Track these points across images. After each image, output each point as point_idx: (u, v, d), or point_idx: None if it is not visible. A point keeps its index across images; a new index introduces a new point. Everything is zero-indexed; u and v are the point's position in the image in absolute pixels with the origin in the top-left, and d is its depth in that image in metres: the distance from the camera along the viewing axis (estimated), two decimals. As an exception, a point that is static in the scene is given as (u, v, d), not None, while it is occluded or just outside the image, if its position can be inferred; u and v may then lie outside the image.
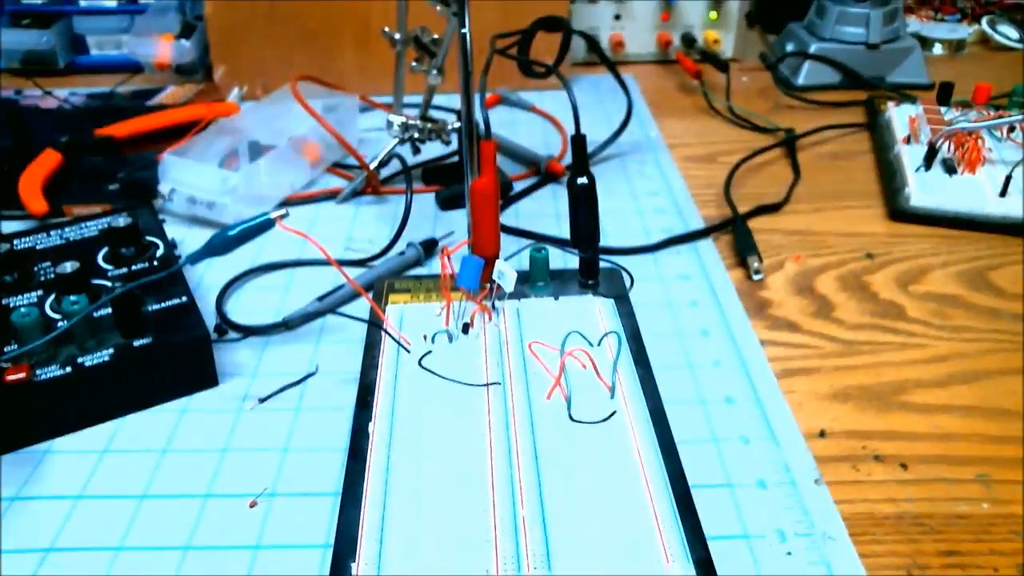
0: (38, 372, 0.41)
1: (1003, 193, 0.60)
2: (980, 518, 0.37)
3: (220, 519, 0.37)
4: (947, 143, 0.65)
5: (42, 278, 0.49)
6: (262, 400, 0.44)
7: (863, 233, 0.61)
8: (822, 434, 0.42)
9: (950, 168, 0.64)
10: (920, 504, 0.38)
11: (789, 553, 0.35)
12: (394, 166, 0.67)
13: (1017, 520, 0.37)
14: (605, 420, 0.39)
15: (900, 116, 0.74)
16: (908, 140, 0.69)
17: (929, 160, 0.65)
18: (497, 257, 0.49)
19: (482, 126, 0.50)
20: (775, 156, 0.73)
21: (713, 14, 0.95)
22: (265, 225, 0.44)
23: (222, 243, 0.45)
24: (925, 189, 0.62)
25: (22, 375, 0.41)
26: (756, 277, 0.55)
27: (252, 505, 0.38)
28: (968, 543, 0.36)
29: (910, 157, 0.66)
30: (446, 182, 0.67)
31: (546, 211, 0.64)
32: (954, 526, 0.37)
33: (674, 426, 0.41)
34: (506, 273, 0.44)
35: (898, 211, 0.62)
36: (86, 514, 0.38)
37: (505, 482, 0.36)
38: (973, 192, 0.62)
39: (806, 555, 0.35)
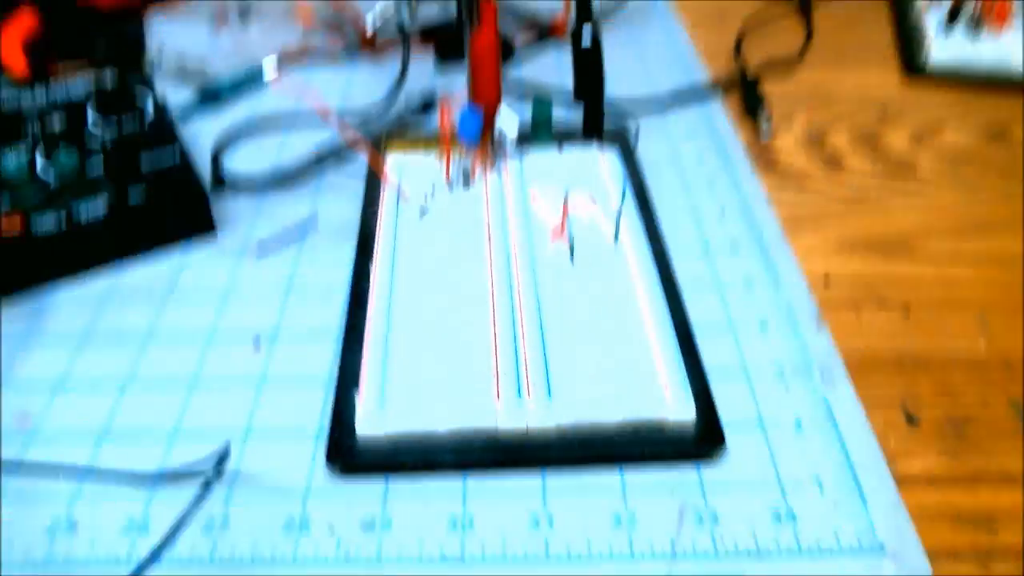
0: (33, 227, 0.41)
1: (1026, 49, 0.58)
2: (977, 357, 0.37)
3: (225, 356, 0.38)
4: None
5: (30, 135, 0.47)
6: (262, 250, 0.43)
7: (878, 92, 0.59)
8: (826, 280, 0.42)
9: (976, 24, 0.62)
10: (919, 345, 0.38)
11: (787, 389, 0.35)
12: (391, 35, 0.65)
13: (1012, 359, 0.37)
14: (607, 263, 0.39)
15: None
16: (930, -3, 0.66)
17: (953, 16, 0.62)
18: (499, 106, 0.48)
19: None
20: (788, 12, 0.70)
21: None
22: (256, 76, 0.43)
23: (214, 95, 0.44)
24: (946, 46, 0.60)
25: (17, 229, 0.40)
26: (765, 132, 0.54)
27: (255, 346, 0.38)
28: (961, 379, 0.36)
29: (933, 13, 0.63)
30: (445, 35, 0.65)
31: (548, 74, 0.62)
32: (950, 364, 0.37)
33: (678, 274, 0.41)
34: (508, 120, 0.43)
35: (916, 69, 0.60)
36: (92, 353, 0.38)
37: (506, 319, 0.36)
38: (997, 49, 0.59)
39: (803, 391, 0.35)
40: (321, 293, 0.41)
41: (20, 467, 0.32)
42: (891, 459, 0.32)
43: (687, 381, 0.33)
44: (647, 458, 0.32)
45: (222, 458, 0.30)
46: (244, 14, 0.64)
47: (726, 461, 0.32)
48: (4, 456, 0.33)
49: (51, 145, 0.45)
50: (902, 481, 0.32)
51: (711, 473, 0.32)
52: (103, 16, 0.66)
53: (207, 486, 0.30)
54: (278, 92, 0.42)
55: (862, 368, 0.37)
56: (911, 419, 0.34)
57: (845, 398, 0.35)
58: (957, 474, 0.32)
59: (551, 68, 0.63)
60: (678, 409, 0.32)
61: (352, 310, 0.38)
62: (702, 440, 0.32)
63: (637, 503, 0.31)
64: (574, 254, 0.39)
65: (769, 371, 0.36)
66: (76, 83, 0.53)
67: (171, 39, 0.59)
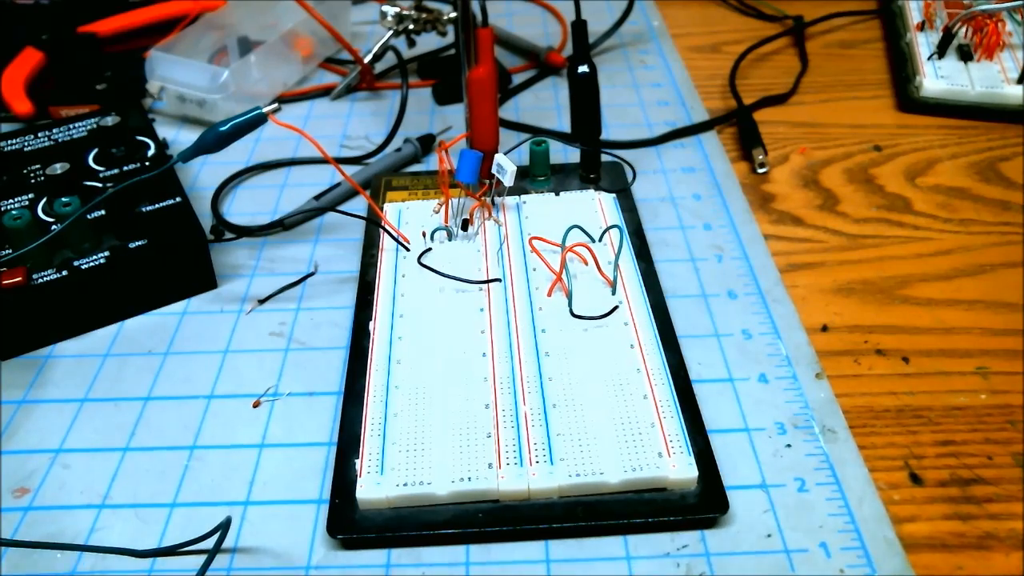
0: (34, 276, 0.41)
1: (1021, 79, 0.58)
2: (978, 409, 0.37)
3: (225, 419, 0.38)
4: (964, 28, 0.62)
5: (32, 181, 0.48)
6: (261, 302, 0.44)
7: (871, 124, 0.59)
8: (824, 328, 0.42)
9: (966, 55, 0.62)
10: (920, 397, 0.38)
11: (788, 445, 0.35)
12: (389, 60, 0.65)
13: (1013, 410, 0.37)
14: (606, 315, 0.39)
15: (915, 1, 0.71)
16: (922, 27, 0.66)
17: (943, 47, 0.62)
18: (496, 151, 0.48)
19: (479, 14, 0.48)
20: (782, 45, 0.71)
21: None
22: (257, 120, 0.43)
23: (214, 139, 0.44)
24: (937, 78, 0.60)
25: (19, 279, 0.40)
26: (761, 170, 0.54)
27: (256, 405, 0.38)
28: (964, 433, 0.36)
29: (923, 44, 0.64)
30: (443, 75, 0.65)
31: (546, 105, 0.62)
32: (951, 417, 0.37)
33: (676, 320, 0.41)
34: (505, 167, 0.43)
35: (908, 101, 0.60)
36: (92, 416, 0.38)
37: (506, 377, 0.36)
38: (989, 79, 0.59)
39: (805, 447, 0.35)
40: (321, 345, 0.41)
41: (20, 543, 0.32)
42: (896, 521, 0.32)
43: (688, 441, 0.33)
44: (650, 523, 0.32)
45: (223, 532, 0.30)
46: (243, 48, 0.64)
47: (730, 523, 0.32)
48: (4, 530, 0.33)
49: (52, 191, 0.45)
50: (910, 546, 0.32)
51: (715, 537, 0.32)
52: (104, 56, 0.66)
53: (208, 562, 0.29)
54: (277, 133, 0.42)
55: (863, 421, 0.37)
56: (916, 478, 0.34)
57: (847, 455, 0.35)
58: (967, 538, 0.32)
59: (548, 98, 0.63)
60: (680, 470, 0.32)
61: (352, 368, 0.38)
62: (705, 504, 0.32)
63: (641, 569, 0.31)
64: (573, 304, 0.39)
65: (770, 426, 0.36)
66: (77, 125, 0.53)
67: (170, 73, 0.59)
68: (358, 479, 0.32)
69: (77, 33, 0.67)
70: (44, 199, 0.45)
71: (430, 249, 0.43)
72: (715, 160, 0.54)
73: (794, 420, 0.37)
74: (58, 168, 0.46)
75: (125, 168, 0.49)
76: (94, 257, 0.42)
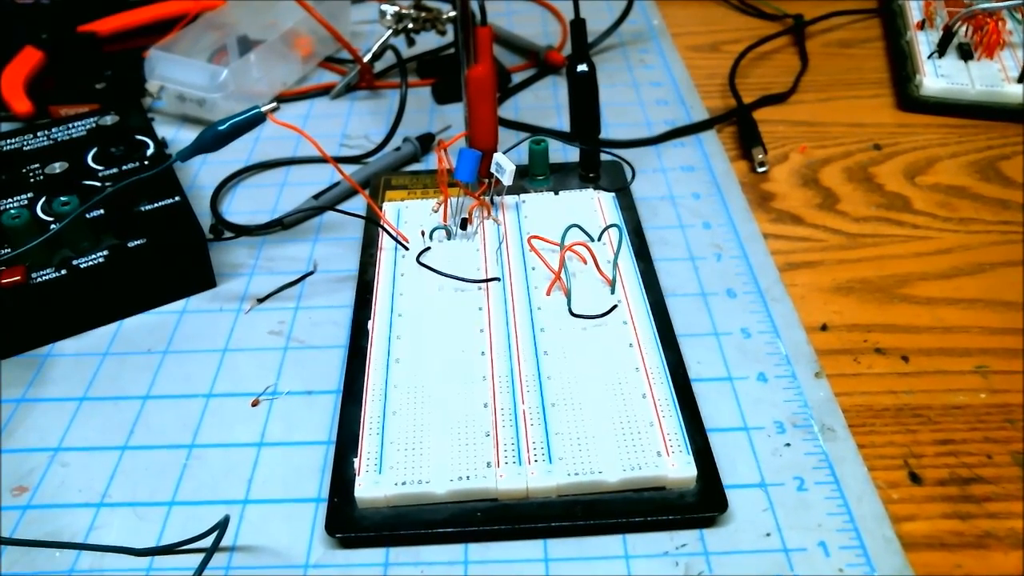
0: (33, 275, 0.41)
1: (1022, 78, 0.58)
2: (977, 408, 0.37)
3: (224, 417, 0.37)
4: (965, 26, 0.62)
5: (31, 180, 0.48)
6: (260, 301, 0.44)
7: (871, 123, 0.59)
8: (824, 327, 0.42)
9: (966, 53, 0.62)
10: (919, 396, 0.38)
11: (788, 444, 0.35)
12: (388, 59, 0.65)
13: (1013, 409, 0.37)
14: (605, 314, 0.39)
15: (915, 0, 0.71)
16: (922, 25, 0.66)
17: (943, 46, 0.62)
18: (495, 150, 0.48)
19: (478, 13, 0.48)
20: (782, 44, 0.71)
21: None
22: (256, 119, 0.43)
23: (212, 138, 0.44)
24: (938, 76, 0.60)
25: (18, 278, 0.40)
26: (760, 169, 0.54)
27: (254, 404, 0.38)
28: (963, 432, 0.36)
29: (923, 43, 0.64)
30: (442, 75, 0.65)
31: (545, 104, 0.62)
32: (951, 416, 0.37)
33: (675, 319, 0.41)
34: (504, 166, 0.43)
35: (908, 100, 0.60)
36: (91, 415, 0.38)
37: (505, 376, 0.36)
38: (989, 77, 0.59)
39: (804, 446, 0.35)
40: (320, 344, 0.41)
41: (18, 541, 0.32)
42: (895, 520, 0.32)
43: (687, 440, 0.33)
44: (649, 522, 0.32)
45: (221, 531, 0.30)
46: (243, 47, 0.64)
47: (729, 522, 0.32)
48: (3, 529, 0.33)
49: (51, 190, 0.45)
50: (909, 545, 0.31)
51: (714, 536, 0.32)
52: (104, 55, 0.66)
53: (206, 560, 0.29)
54: (277, 132, 0.42)
55: (862, 420, 0.37)
56: (915, 477, 0.34)
57: (846, 454, 0.35)
58: (966, 537, 0.32)
59: (548, 97, 0.63)
60: (679, 469, 0.32)
61: (350, 367, 0.38)
62: (704, 503, 0.32)
63: (640, 568, 0.31)
64: (572, 303, 0.39)
65: (769, 425, 0.36)
66: (77, 124, 0.53)
67: (170, 73, 0.59)
68: (357, 478, 0.32)
69: (77, 32, 0.67)
70: (43, 198, 0.45)
71: (429, 248, 0.43)
72: (714, 159, 0.54)
73: (793, 419, 0.36)
74: (57, 167, 0.46)
75: (124, 167, 0.49)
76: (93, 256, 0.42)
